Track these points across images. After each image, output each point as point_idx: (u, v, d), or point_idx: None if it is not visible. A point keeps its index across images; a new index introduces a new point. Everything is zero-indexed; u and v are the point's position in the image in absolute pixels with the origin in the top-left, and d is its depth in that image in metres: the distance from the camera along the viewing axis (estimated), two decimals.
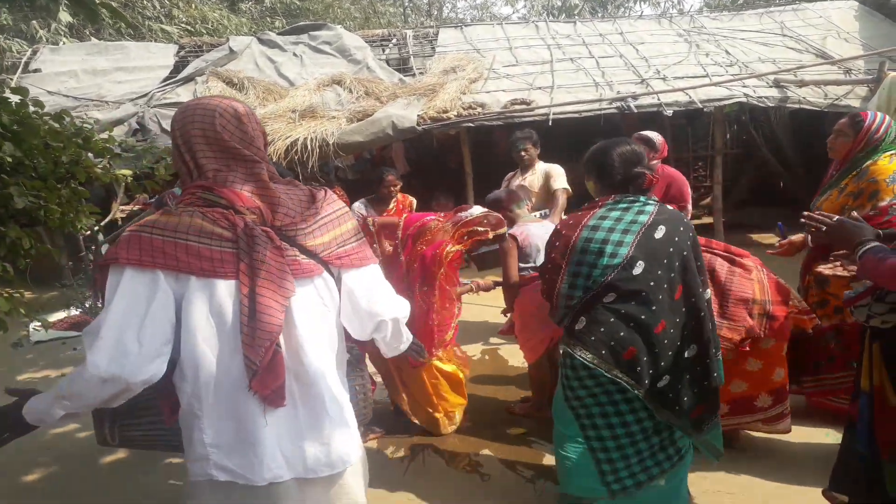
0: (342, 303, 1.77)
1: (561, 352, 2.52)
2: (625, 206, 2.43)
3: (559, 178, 5.05)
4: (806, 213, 2.41)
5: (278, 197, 1.63)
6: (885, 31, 9.00)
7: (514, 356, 4.97)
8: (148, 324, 1.45)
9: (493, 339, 5.41)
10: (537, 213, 4.97)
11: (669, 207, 2.52)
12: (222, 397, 1.54)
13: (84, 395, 1.47)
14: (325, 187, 1.80)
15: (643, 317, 2.31)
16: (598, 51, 9.24)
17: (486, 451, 3.58)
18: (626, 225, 2.37)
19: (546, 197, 5.08)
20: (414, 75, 9.14)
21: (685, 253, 2.40)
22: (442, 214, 3.63)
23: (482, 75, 8.66)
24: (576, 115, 7.43)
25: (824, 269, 2.90)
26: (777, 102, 7.29)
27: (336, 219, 1.72)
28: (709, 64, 8.48)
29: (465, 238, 3.49)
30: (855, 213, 2.38)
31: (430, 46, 10.19)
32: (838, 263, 2.50)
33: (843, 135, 3.35)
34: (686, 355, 2.39)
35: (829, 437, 3.43)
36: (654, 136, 4.44)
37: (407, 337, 1.97)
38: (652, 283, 2.32)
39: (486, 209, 3.63)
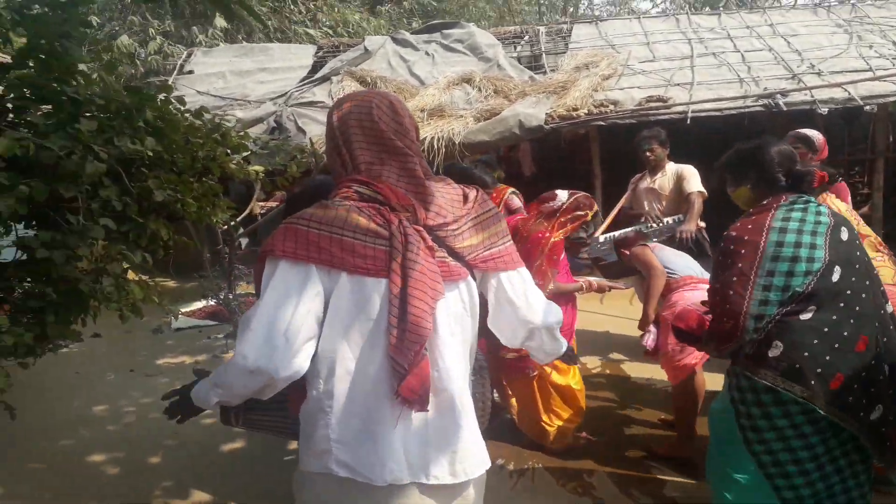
0: (492, 308, 1.71)
1: (733, 382, 2.20)
2: (801, 206, 2.17)
3: (693, 180, 4.74)
4: None
5: (432, 195, 1.58)
6: None
7: (638, 372, 4.77)
8: (296, 319, 1.44)
9: (615, 354, 5.18)
10: (670, 219, 4.71)
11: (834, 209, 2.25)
12: (355, 396, 1.51)
13: (233, 384, 1.51)
14: (477, 187, 1.73)
15: (846, 333, 2.04)
16: (744, 44, 8.67)
17: (600, 473, 3.41)
18: (811, 226, 2.11)
19: (678, 200, 4.78)
20: (545, 73, 8.99)
21: (867, 259, 2.16)
22: (523, 214, 3.55)
23: (616, 71, 8.38)
24: (717, 113, 7.00)
25: None
26: None
27: (486, 220, 1.65)
28: (872, 56, 7.71)
29: (567, 224, 3.34)
30: None
31: (564, 43, 10.00)
32: None
33: None
34: (886, 376, 2.10)
35: None
36: (812, 134, 3.99)
37: (562, 344, 1.87)
38: (849, 292, 2.06)
39: (572, 191, 3.46)
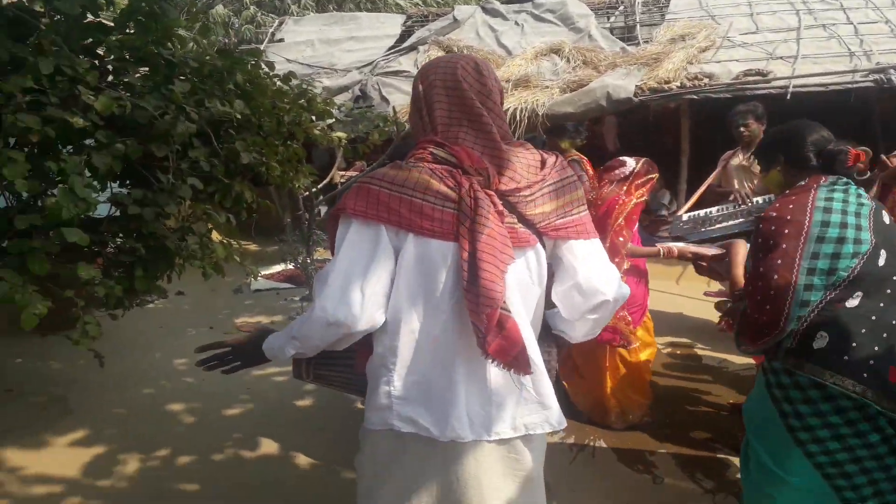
0: (559, 277, 1.69)
1: (772, 380, 2.09)
2: (842, 187, 2.06)
3: None
4: None
5: (507, 160, 1.58)
6: None
7: (710, 354, 4.65)
8: (371, 275, 1.49)
9: (686, 337, 5.06)
10: (759, 199, 4.49)
11: None
12: (418, 354, 1.56)
13: (312, 336, 1.58)
14: (557, 153, 1.71)
15: (894, 322, 1.92)
16: (858, 15, 8.13)
17: (662, 452, 3.39)
18: (855, 207, 2.00)
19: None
20: (639, 44, 8.73)
21: None
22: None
23: (714, 43, 8.04)
24: (821, 89, 6.62)
25: None
26: None
27: (562, 188, 1.63)
28: None
29: (642, 188, 3.39)
30: None
31: (660, 13, 9.66)
32: None
33: None
34: None
35: None
36: None
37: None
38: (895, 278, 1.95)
39: (636, 157, 3.48)
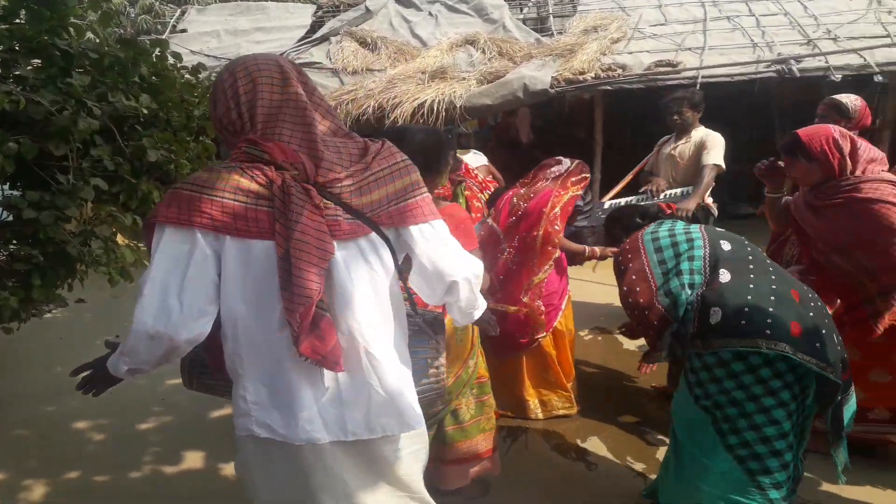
0: (412, 265, 1.71)
1: (687, 368, 2.35)
2: (668, 222, 2.58)
3: (714, 151, 4.41)
4: None
5: (321, 151, 1.56)
6: None
7: (631, 341, 4.78)
8: (188, 282, 1.46)
9: (605, 324, 5.21)
10: (678, 191, 4.54)
11: None
12: (262, 356, 1.55)
13: (137, 351, 1.52)
14: (385, 139, 1.71)
15: (774, 287, 2.21)
16: (759, 8, 8.56)
17: (594, 438, 3.47)
18: (682, 225, 2.50)
19: (695, 171, 4.50)
20: (552, 35, 8.89)
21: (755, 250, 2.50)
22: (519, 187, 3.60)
23: (626, 35, 8.29)
24: (727, 79, 6.93)
25: None
26: None
27: (391, 174, 1.63)
28: (891, 23, 7.61)
29: (578, 185, 3.48)
30: None
31: (572, 5, 9.88)
32: None
33: None
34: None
35: None
36: (847, 100, 3.72)
37: (481, 303, 1.89)
38: (751, 258, 2.32)
39: (573, 158, 3.61)
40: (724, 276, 2.23)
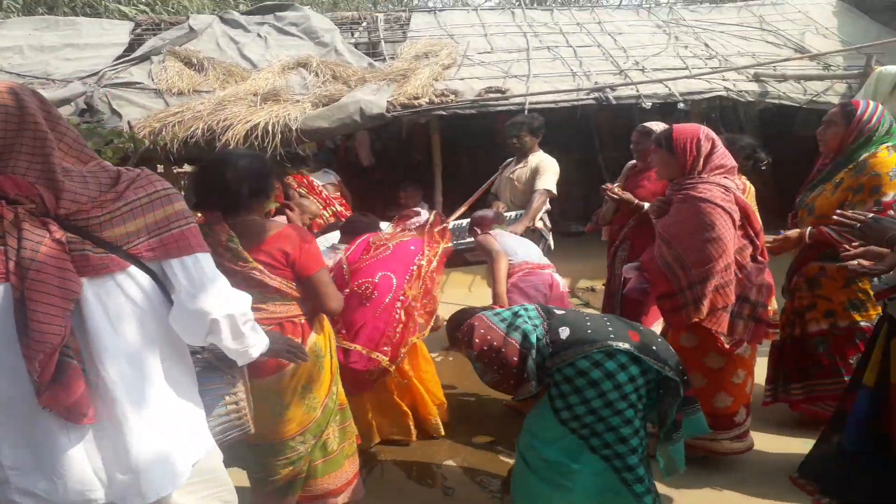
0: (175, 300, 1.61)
1: (551, 381, 2.43)
2: None
3: (545, 176, 4.62)
4: (839, 211, 2.47)
5: (62, 182, 1.44)
6: (863, 27, 9.10)
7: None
8: None
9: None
10: (512, 214, 4.68)
11: None
12: (15, 414, 1.41)
13: None
14: (144, 168, 1.63)
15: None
16: (575, 40, 9.20)
17: (449, 462, 3.47)
18: None
19: (529, 194, 4.67)
20: (384, 60, 8.99)
21: None
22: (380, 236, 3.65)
23: (456, 62, 8.56)
24: (552, 105, 7.36)
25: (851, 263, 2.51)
26: (757, 97, 7.31)
27: (149, 203, 1.54)
28: (688, 56, 8.49)
29: (444, 236, 3.69)
30: (892, 213, 2.41)
31: (402, 32, 10.06)
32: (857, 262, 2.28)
33: (833, 125, 3.25)
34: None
35: (808, 445, 3.42)
36: (657, 127, 4.14)
37: (257, 340, 1.81)
38: None
39: (430, 208, 3.85)
40: (558, 310, 2.56)
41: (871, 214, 2.32)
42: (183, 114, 6.86)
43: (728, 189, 2.96)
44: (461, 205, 5.55)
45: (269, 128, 6.76)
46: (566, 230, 8.25)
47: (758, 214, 3.12)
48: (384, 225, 4.21)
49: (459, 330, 2.64)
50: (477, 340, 2.49)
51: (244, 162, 2.33)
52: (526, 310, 2.56)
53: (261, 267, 2.32)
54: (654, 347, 2.35)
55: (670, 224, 3.06)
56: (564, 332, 2.38)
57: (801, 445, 3.37)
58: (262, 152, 2.56)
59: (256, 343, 1.81)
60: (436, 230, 3.69)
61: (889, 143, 3.14)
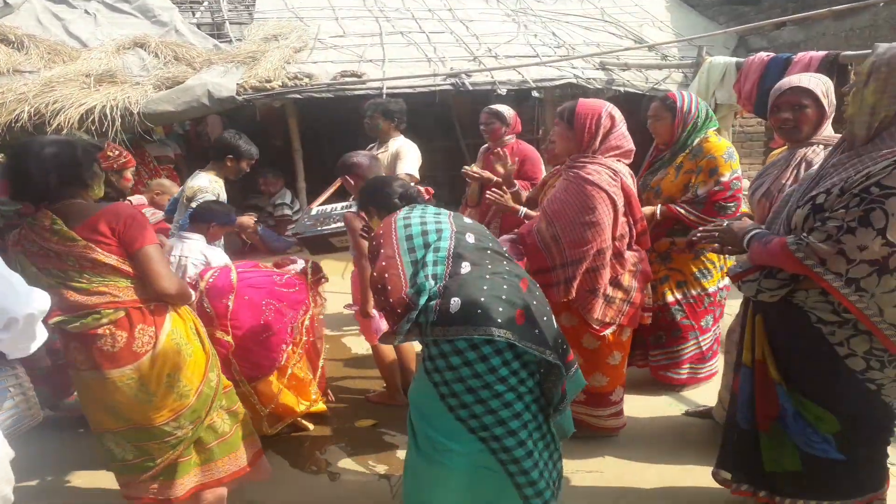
0: None
1: (425, 355, 2.36)
2: (420, 207, 2.61)
3: (406, 160, 4.63)
4: (702, 228, 2.60)
5: None
6: (693, 21, 9.92)
7: (357, 344, 4.85)
8: None
9: (331, 331, 5.20)
10: (343, 205, 4.64)
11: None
12: None
13: None
14: None
15: (506, 276, 2.33)
16: (428, 26, 9.27)
17: (332, 448, 3.43)
18: (433, 213, 2.55)
19: None
20: (231, 42, 8.60)
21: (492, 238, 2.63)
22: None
23: (307, 45, 8.35)
24: (410, 90, 7.38)
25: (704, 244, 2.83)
26: (604, 84, 7.75)
27: None
28: (537, 45, 8.82)
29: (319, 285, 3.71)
30: (746, 217, 2.68)
31: (248, 13, 9.66)
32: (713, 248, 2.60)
33: (661, 118, 3.53)
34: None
35: (672, 406, 3.69)
36: (504, 109, 4.42)
37: (41, 334, 1.89)
38: (490, 251, 2.44)
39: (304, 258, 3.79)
40: (465, 267, 2.33)
41: (725, 222, 2.50)
42: (4, 96, 6.20)
43: (617, 173, 3.00)
44: (324, 190, 5.43)
45: (108, 111, 6.26)
46: None
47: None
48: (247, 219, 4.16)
49: (374, 237, 2.56)
50: (376, 272, 2.39)
51: (49, 150, 2.27)
52: (437, 250, 2.38)
53: (91, 245, 2.25)
54: (536, 330, 2.27)
55: (554, 201, 3.08)
56: (455, 305, 2.22)
57: (664, 406, 3.66)
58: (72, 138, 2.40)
59: (40, 336, 1.87)
60: (316, 279, 3.68)
61: (713, 128, 3.53)
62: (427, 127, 8.35)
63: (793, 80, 2.72)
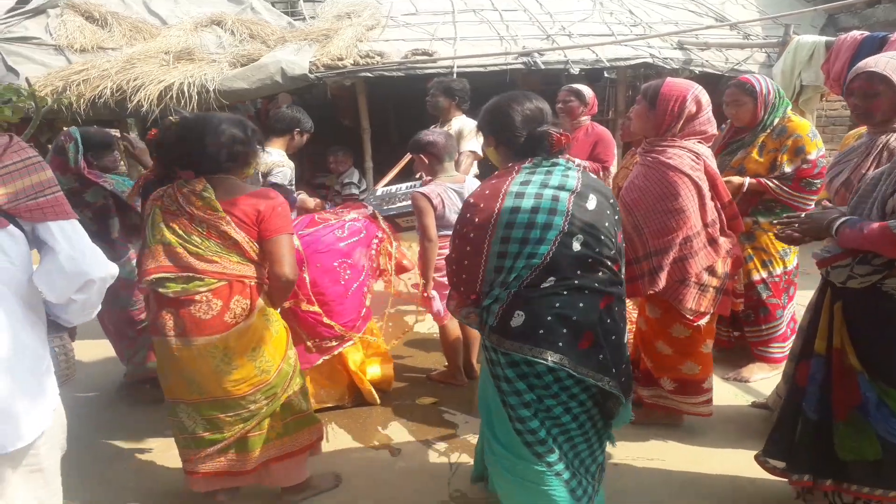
0: (42, 260, 1.78)
1: (487, 354, 2.24)
2: (545, 169, 2.19)
3: (470, 138, 4.62)
4: (785, 216, 2.58)
5: None
6: None
7: (422, 323, 4.89)
8: None
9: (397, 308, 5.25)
10: (408, 185, 4.67)
11: (592, 175, 2.31)
12: None
13: None
14: (12, 134, 1.76)
15: (587, 293, 2.11)
16: (501, 3, 9.16)
17: (394, 424, 3.50)
18: (552, 192, 2.12)
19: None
20: (304, 20, 8.75)
21: (616, 223, 2.26)
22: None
23: (379, 23, 8.40)
24: (481, 69, 7.35)
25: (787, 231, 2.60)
26: (681, 64, 7.53)
27: (24, 168, 1.70)
28: (613, 23, 8.62)
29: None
30: (825, 202, 2.58)
31: None
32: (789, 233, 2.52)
33: (741, 104, 3.50)
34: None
35: (738, 397, 3.61)
36: (584, 89, 4.37)
37: (99, 303, 1.98)
38: (591, 260, 2.11)
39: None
40: (549, 281, 2.09)
41: (803, 214, 2.45)
42: (88, 72, 6.48)
43: (699, 156, 2.87)
44: (390, 170, 5.49)
45: (185, 88, 6.47)
46: None
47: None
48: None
49: (478, 190, 2.26)
50: (455, 252, 2.24)
51: (227, 128, 2.44)
52: (532, 256, 2.07)
53: (229, 218, 2.39)
54: (600, 355, 2.11)
55: (632, 189, 2.93)
56: (517, 319, 2.08)
57: (730, 396, 3.59)
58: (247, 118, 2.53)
59: (98, 305, 1.95)
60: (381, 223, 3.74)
61: (788, 107, 3.54)
62: None
63: (868, 63, 2.54)
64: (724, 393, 3.62)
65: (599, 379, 2.11)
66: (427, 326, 4.79)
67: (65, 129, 3.52)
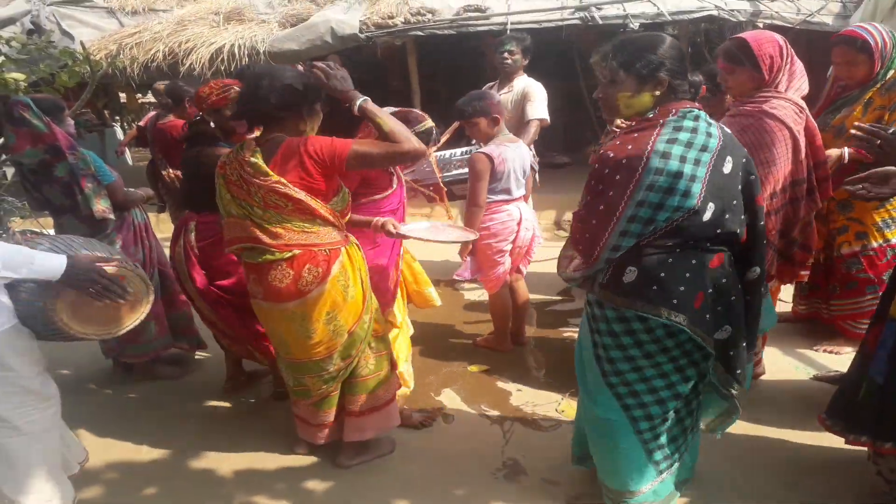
0: None
1: (590, 310, 2.26)
2: (691, 124, 2.04)
3: (538, 104, 4.48)
4: (856, 124, 2.31)
5: None
6: None
7: (472, 291, 4.98)
8: None
9: (444, 276, 5.33)
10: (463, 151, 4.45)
11: (728, 131, 2.15)
12: None
13: None
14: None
15: (701, 251, 2.08)
16: None
17: (446, 391, 3.59)
18: (696, 153, 2.00)
19: (517, 123, 4.50)
20: None
21: (743, 187, 2.13)
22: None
23: None
24: (535, 26, 7.26)
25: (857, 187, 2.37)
26: (748, 17, 7.29)
27: None
28: None
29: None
30: None
31: None
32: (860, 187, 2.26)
33: (857, 63, 3.24)
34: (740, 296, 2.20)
35: (799, 370, 3.58)
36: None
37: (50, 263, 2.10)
38: (719, 230, 2.06)
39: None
40: (669, 240, 2.05)
41: (891, 129, 2.20)
42: (141, 35, 6.66)
43: (802, 110, 2.77)
44: (441, 135, 5.49)
45: (236, 51, 6.59)
46: (551, 162, 8.25)
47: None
48: None
49: (620, 136, 2.16)
50: (584, 210, 2.16)
51: (280, 73, 2.51)
52: (673, 208, 1.98)
53: (284, 181, 2.42)
54: (707, 314, 2.07)
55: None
56: (630, 274, 2.06)
57: (790, 368, 3.57)
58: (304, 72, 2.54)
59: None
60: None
61: None
62: (549, 65, 8.21)
63: None
64: (785, 365, 3.61)
65: (707, 340, 2.09)
66: (477, 294, 4.87)
67: (11, 98, 3.38)
